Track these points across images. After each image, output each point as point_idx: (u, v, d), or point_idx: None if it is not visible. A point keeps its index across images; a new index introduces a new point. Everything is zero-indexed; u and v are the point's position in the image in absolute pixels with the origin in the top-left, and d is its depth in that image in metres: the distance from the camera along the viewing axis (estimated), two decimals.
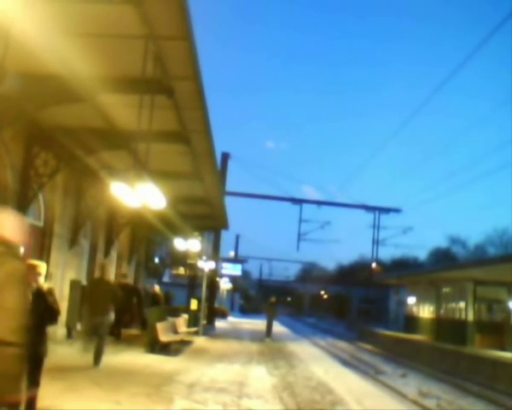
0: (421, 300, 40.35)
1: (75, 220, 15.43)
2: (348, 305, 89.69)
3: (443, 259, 67.68)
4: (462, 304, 31.57)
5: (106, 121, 11.48)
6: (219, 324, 31.96)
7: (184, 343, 17.46)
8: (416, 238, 75.68)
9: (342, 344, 35.93)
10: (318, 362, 16.81)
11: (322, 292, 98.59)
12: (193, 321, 21.92)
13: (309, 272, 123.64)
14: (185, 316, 20.41)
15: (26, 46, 7.38)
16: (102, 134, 12.03)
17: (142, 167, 9.80)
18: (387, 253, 70.80)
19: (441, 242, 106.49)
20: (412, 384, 18.30)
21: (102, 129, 11.96)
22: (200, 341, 19.75)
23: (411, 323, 41.03)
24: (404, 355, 28.97)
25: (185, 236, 21.19)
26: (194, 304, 22.21)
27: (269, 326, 25.70)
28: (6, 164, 11.42)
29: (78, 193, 15.39)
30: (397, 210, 27.87)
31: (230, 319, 42.65)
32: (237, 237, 57.53)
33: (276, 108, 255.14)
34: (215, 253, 26.69)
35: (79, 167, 13.97)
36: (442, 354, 26.97)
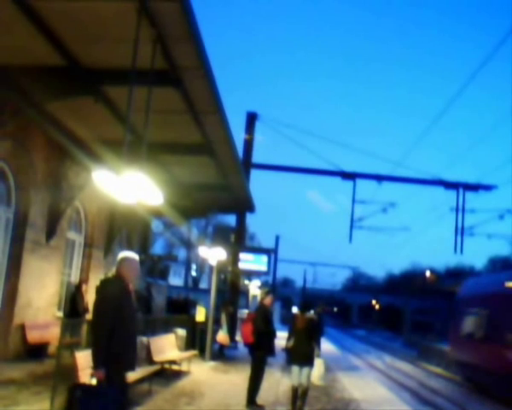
0: None
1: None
2: (402, 317, 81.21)
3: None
4: None
5: None
6: None
7: (169, 377, 10.77)
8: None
9: (404, 366, 29.30)
10: None
11: (374, 302, 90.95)
12: (199, 339, 15.15)
13: (356, 281, 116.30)
14: (180, 332, 13.56)
15: None
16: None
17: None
18: (442, 259, 62.34)
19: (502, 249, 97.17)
20: None
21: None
22: (200, 371, 12.92)
23: None
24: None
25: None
26: (201, 314, 15.38)
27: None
28: None
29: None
30: (488, 187, 20.33)
31: None
32: (277, 239, 50.63)
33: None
34: (239, 243, 19.80)
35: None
36: None
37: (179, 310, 19.01)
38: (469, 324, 20.74)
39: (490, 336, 18.52)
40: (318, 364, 8.64)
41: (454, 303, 24.75)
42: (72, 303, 13.07)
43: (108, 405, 5.13)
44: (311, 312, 9.08)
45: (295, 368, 8.77)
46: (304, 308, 9.08)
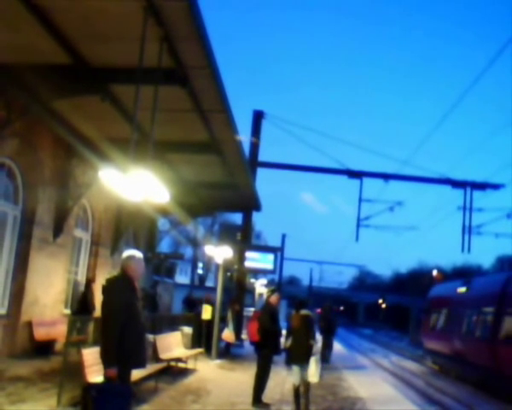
0: None
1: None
2: (409, 316, 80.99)
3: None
4: None
5: None
6: None
7: (175, 375, 10.81)
8: None
9: (410, 365, 29.06)
10: None
11: (380, 301, 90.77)
12: (205, 337, 15.19)
13: (363, 280, 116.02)
14: (186, 330, 13.62)
15: None
16: None
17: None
18: (450, 258, 62.05)
19: None
20: None
21: None
22: (206, 369, 12.96)
23: None
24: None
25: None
26: (207, 312, 15.42)
27: (326, 345, 17.92)
28: None
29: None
30: (496, 186, 20.23)
31: None
32: (283, 237, 50.60)
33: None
34: (245, 242, 19.82)
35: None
36: None
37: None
38: (433, 319, 26.25)
39: (447, 328, 23.53)
40: (312, 361, 8.58)
41: (425, 303, 30.98)
42: (83, 301, 13.09)
43: (123, 403, 5.14)
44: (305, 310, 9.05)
45: (295, 367, 8.76)
46: (298, 307, 9.06)
